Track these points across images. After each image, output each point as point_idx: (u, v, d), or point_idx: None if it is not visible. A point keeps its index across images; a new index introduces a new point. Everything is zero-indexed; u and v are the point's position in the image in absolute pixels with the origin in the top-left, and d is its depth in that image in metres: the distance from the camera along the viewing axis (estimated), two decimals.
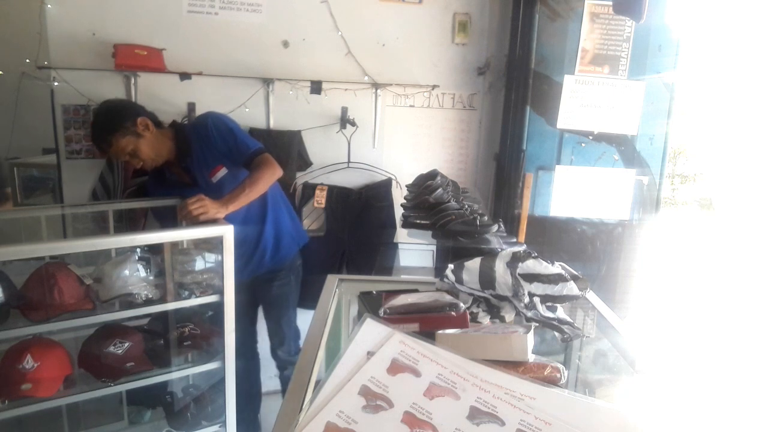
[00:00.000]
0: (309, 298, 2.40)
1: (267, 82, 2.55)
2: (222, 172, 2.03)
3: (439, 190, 1.83)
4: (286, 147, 2.56)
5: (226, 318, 1.83)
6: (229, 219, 1.81)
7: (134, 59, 2.32)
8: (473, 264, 1.12)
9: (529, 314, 1.03)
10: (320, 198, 2.64)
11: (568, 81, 2.49)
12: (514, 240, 1.67)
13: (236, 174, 2.02)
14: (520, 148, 2.51)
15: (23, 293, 1.63)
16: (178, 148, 2.01)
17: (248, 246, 2.15)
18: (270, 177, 1.93)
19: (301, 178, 2.69)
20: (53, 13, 2.29)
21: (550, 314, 1.04)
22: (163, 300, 1.80)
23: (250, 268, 2.19)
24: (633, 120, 2.54)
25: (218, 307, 1.85)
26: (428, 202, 1.79)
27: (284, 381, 2.46)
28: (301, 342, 2.33)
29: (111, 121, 1.89)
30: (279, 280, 2.26)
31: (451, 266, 1.15)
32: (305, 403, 0.77)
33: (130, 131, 1.89)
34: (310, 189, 2.66)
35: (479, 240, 1.54)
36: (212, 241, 1.84)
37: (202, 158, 2.02)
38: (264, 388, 2.55)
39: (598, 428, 0.71)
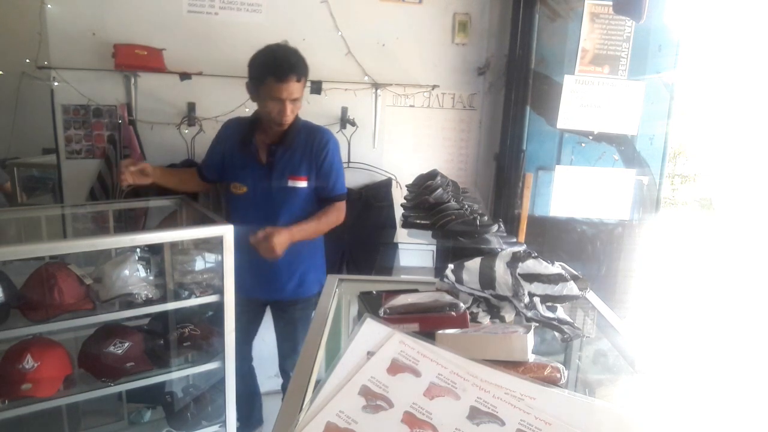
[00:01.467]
0: None
1: None
2: (302, 183, 1.99)
3: (439, 190, 1.83)
4: None
5: (226, 318, 1.84)
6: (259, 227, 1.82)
7: (134, 59, 2.32)
8: (473, 264, 1.12)
9: (529, 314, 1.03)
10: None
11: (568, 81, 2.49)
12: (514, 240, 1.67)
13: (311, 193, 2.02)
14: (520, 148, 2.51)
15: (23, 293, 1.63)
16: (286, 132, 1.98)
17: (274, 265, 1.99)
18: (334, 224, 2.05)
19: None
20: (53, 13, 2.29)
21: (550, 314, 1.04)
22: (163, 300, 1.80)
23: (269, 289, 2.10)
24: (633, 120, 2.54)
25: (218, 307, 1.85)
26: (428, 202, 1.79)
27: None
28: None
29: (306, 66, 1.91)
30: (302, 303, 2.16)
31: (451, 266, 1.15)
32: (305, 403, 0.77)
33: (306, 84, 1.95)
34: None
35: (479, 240, 1.54)
36: (212, 241, 1.84)
37: (297, 160, 1.98)
38: (264, 388, 2.54)
39: (598, 428, 0.71)
